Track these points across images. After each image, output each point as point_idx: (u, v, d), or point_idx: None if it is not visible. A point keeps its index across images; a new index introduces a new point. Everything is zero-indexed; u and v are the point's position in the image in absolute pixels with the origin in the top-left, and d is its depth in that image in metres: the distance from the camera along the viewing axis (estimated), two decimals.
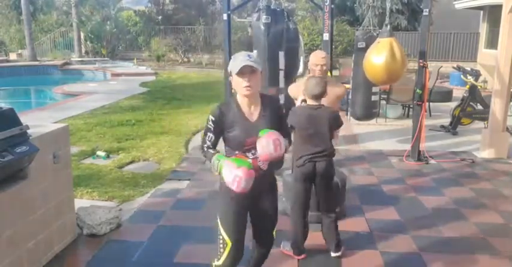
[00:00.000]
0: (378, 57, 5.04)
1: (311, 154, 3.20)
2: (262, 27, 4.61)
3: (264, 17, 4.59)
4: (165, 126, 7.66)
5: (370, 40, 5.68)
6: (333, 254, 3.37)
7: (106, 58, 20.72)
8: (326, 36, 5.79)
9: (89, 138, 6.82)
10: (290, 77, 5.37)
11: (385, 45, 5.03)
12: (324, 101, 3.89)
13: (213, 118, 2.38)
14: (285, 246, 3.42)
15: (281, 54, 4.72)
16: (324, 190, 3.30)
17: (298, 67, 5.97)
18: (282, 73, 4.78)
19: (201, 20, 21.02)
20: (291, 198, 3.43)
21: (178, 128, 7.49)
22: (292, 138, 2.77)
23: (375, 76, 5.23)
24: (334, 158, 3.34)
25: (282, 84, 4.79)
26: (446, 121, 7.88)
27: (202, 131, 2.51)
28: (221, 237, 2.57)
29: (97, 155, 5.84)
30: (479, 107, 7.56)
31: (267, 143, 2.21)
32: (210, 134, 2.41)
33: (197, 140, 6.94)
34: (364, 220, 3.99)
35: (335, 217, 3.37)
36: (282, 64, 4.74)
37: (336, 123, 3.26)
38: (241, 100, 2.39)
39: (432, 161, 5.82)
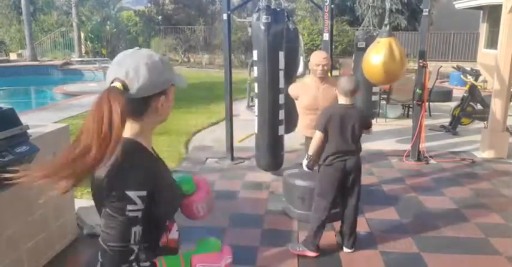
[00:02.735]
0: (377, 57, 5.03)
1: (341, 153, 3.27)
2: (262, 27, 4.60)
3: (264, 16, 4.59)
4: (165, 125, 7.56)
5: (370, 40, 5.69)
6: (345, 250, 3.42)
7: (106, 59, 20.70)
8: (326, 36, 5.79)
9: None
10: (290, 77, 5.38)
11: (384, 45, 5.03)
12: (324, 101, 3.91)
13: (144, 194, 1.22)
14: (294, 247, 3.42)
15: (281, 54, 4.73)
16: (354, 185, 3.37)
17: (298, 67, 5.98)
18: (281, 74, 4.79)
19: (201, 20, 21.03)
20: (318, 192, 3.43)
21: (178, 128, 7.48)
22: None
23: (374, 76, 5.23)
24: None
25: (281, 85, 4.80)
26: (446, 121, 7.87)
27: (113, 229, 1.21)
28: None
29: None
30: (479, 107, 7.56)
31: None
32: (137, 229, 1.22)
33: (197, 140, 6.94)
34: (364, 220, 3.98)
35: (356, 212, 3.45)
36: (282, 64, 4.76)
37: (365, 124, 3.37)
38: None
39: (432, 161, 5.82)
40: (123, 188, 1.20)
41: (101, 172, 1.22)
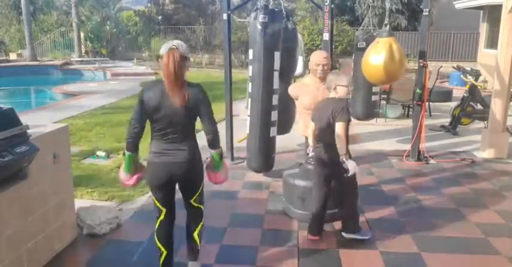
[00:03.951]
0: (377, 56, 5.02)
1: (319, 143, 3.48)
2: (259, 27, 4.58)
3: (261, 16, 4.56)
4: None
5: (370, 40, 5.68)
6: (342, 233, 3.62)
7: (106, 58, 20.71)
8: (326, 36, 5.78)
9: (89, 138, 6.82)
10: (287, 78, 5.36)
11: (384, 45, 5.02)
12: None
13: None
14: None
15: (277, 55, 4.69)
16: (333, 179, 3.56)
17: (296, 67, 5.97)
18: (276, 74, 4.75)
19: (201, 19, 21.02)
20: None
21: None
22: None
23: (373, 77, 5.21)
24: None
25: (276, 85, 4.75)
26: (446, 121, 7.87)
27: (212, 116, 2.93)
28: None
29: (97, 155, 5.83)
30: (479, 107, 7.56)
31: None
32: None
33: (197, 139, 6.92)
34: (364, 220, 3.98)
35: (342, 198, 3.60)
36: (277, 64, 4.71)
37: (337, 115, 3.27)
38: None
39: (432, 161, 5.82)
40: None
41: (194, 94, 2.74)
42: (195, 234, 2.95)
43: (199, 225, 2.97)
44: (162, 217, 2.90)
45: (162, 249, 2.92)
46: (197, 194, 2.91)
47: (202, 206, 2.98)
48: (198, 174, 2.89)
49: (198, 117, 2.78)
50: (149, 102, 2.68)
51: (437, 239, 3.65)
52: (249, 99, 4.86)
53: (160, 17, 22.31)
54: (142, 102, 2.70)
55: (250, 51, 4.75)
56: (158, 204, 2.90)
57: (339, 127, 3.24)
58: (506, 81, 5.87)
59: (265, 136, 4.79)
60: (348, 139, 3.32)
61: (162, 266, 2.95)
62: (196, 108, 2.72)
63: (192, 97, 2.68)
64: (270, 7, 4.72)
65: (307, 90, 4.01)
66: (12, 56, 20.42)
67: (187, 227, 2.98)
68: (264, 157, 4.86)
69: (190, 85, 2.72)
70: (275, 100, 4.77)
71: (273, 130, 4.85)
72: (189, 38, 20.46)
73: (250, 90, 4.81)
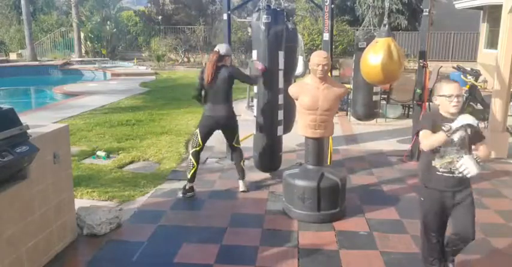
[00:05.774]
0: (375, 57, 5.02)
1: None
2: (262, 27, 4.60)
3: (264, 16, 4.59)
4: (165, 126, 7.66)
5: (370, 40, 5.68)
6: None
7: (106, 58, 20.72)
8: (326, 36, 5.78)
9: (89, 138, 6.82)
10: (289, 77, 5.38)
11: (383, 45, 5.02)
12: (324, 101, 3.91)
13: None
14: None
15: (281, 54, 4.73)
16: None
17: (296, 67, 5.98)
18: (281, 74, 4.78)
19: (201, 20, 21.02)
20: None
21: (178, 128, 7.49)
22: None
23: (372, 76, 5.22)
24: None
25: (281, 84, 4.79)
26: None
27: (248, 77, 4.72)
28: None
29: (97, 155, 5.83)
30: (479, 107, 7.55)
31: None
32: None
33: None
34: (364, 220, 3.99)
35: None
36: (281, 64, 4.75)
37: None
38: None
39: None
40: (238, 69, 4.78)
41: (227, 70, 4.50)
42: (241, 164, 4.63)
43: (243, 160, 4.65)
44: (197, 148, 4.51)
45: (195, 163, 4.48)
46: (235, 138, 4.63)
47: (240, 146, 4.68)
48: (233, 125, 4.59)
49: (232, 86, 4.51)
50: (202, 75, 4.46)
51: None
52: (255, 99, 4.91)
53: (160, 17, 22.28)
54: (201, 75, 4.46)
55: (254, 52, 4.78)
56: (200, 140, 4.50)
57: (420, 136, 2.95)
58: (506, 81, 5.87)
59: (272, 136, 4.83)
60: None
61: (191, 176, 4.47)
62: (226, 82, 4.39)
63: (221, 76, 4.36)
64: (272, 7, 4.74)
65: (307, 90, 4.00)
66: (12, 56, 20.44)
67: (235, 161, 4.72)
68: (271, 156, 4.89)
69: (224, 68, 4.41)
70: (281, 99, 4.81)
71: (280, 129, 4.89)
72: (189, 38, 20.46)
73: (256, 90, 4.86)
